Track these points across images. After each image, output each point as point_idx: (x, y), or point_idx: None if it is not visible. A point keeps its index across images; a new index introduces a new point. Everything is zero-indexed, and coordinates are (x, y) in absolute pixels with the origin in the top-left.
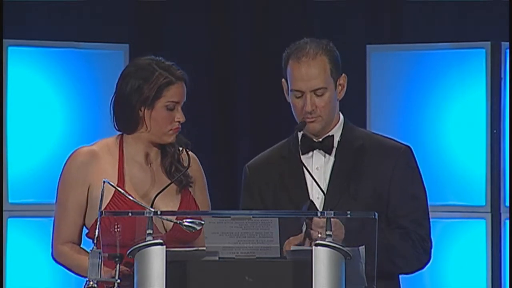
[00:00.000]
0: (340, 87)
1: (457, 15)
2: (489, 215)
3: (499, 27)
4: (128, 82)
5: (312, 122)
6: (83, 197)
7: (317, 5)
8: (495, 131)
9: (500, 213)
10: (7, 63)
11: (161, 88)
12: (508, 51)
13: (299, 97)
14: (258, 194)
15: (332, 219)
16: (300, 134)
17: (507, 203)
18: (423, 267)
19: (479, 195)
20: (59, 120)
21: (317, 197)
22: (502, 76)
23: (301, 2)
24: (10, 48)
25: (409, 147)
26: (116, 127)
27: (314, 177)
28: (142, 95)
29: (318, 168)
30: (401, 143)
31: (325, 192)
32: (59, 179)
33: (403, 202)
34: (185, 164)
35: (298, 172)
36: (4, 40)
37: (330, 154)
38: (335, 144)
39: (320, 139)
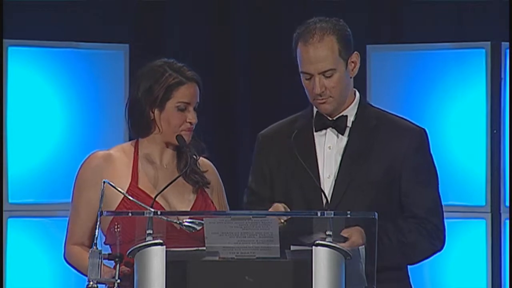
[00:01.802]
0: (352, 65)
1: (457, 15)
2: (489, 215)
3: (499, 27)
4: (140, 84)
5: (323, 103)
6: (97, 199)
7: (317, 5)
8: (495, 131)
9: (500, 213)
10: (7, 63)
11: (170, 88)
12: (508, 51)
13: (308, 79)
14: (268, 169)
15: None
16: (314, 111)
17: (507, 203)
18: (437, 253)
19: (479, 195)
20: (59, 120)
21: (327, 176)
22: (502, 76)
23: (301, 2)
24: (10, 48)
25: (423, 129)
26: (131, 132)
27: (325, 156)
28: (152, 96)
29: (331, 147)
30: (416, 125)
31: (337, 172)
32: (74, 183)
33: (417, 189)
34: (202, 168)
35: (309, 150)
36: (4, 40)
37: (343, 134)
38: (349, 124)
39: (334, 118)
